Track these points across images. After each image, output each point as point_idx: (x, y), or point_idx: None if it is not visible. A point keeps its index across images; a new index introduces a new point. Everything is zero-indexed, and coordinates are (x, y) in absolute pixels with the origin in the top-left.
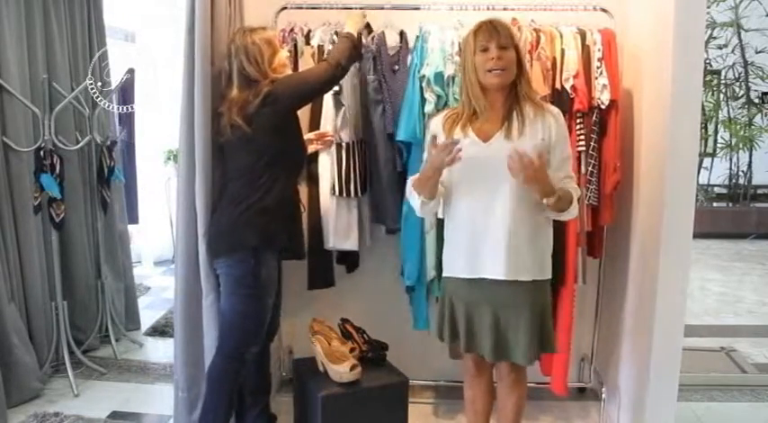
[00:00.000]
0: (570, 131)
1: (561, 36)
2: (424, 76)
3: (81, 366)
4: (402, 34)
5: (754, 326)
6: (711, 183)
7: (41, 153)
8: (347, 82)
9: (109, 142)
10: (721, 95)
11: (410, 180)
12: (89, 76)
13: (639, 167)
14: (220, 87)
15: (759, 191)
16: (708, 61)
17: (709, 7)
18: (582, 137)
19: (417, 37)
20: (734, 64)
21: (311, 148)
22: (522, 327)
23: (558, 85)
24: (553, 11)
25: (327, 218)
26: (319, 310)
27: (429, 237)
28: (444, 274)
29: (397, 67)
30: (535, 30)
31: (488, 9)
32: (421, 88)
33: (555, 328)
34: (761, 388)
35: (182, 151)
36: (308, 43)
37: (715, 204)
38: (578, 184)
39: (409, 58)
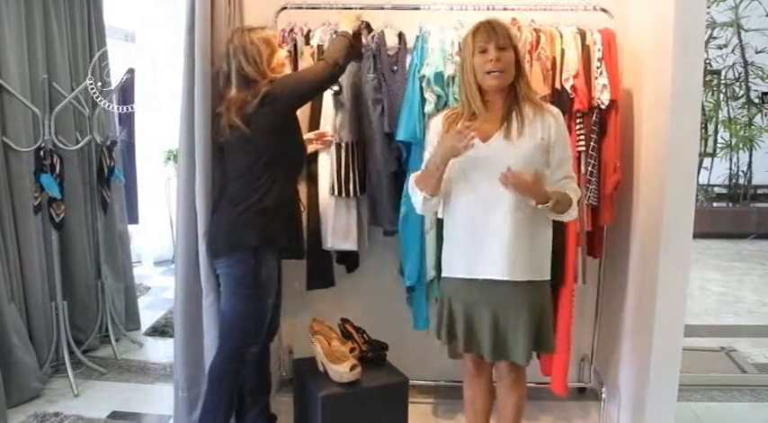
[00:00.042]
0: (570, 131)
1: (561, 36)
2: (424, 76)
3: (81, 366)
4: (401, 35)
5: (754, 326)
6: (711, 183)
7: (41, 153)
8: (346, 81)
9: (109, 142)
10: (721, 95)
11: (412, 177)
12: (89, 76)
13: (639, 167)
14: (219, 87)
15: (759, 191)
16: (708, 61)
17: (709, 7)
18: (582, 137)
19: (417, 37)
20: (734, 64)
21: (311, 148)
22: (521, 327)
23: (557, 85)
24: (553, 11)
25: (326, 218)
26: (319, 310)
27: (429, 236)
28: (443, 275)
29: (396, 68)
30: (535, 30)
31: (488, 9)
32: (421, 88)
33: (555, 328)
34: (761, 388)
35: (182, 151)
36: (307, 43)
37: (715, 204)
38: (578, 184)
39: (408, 58)
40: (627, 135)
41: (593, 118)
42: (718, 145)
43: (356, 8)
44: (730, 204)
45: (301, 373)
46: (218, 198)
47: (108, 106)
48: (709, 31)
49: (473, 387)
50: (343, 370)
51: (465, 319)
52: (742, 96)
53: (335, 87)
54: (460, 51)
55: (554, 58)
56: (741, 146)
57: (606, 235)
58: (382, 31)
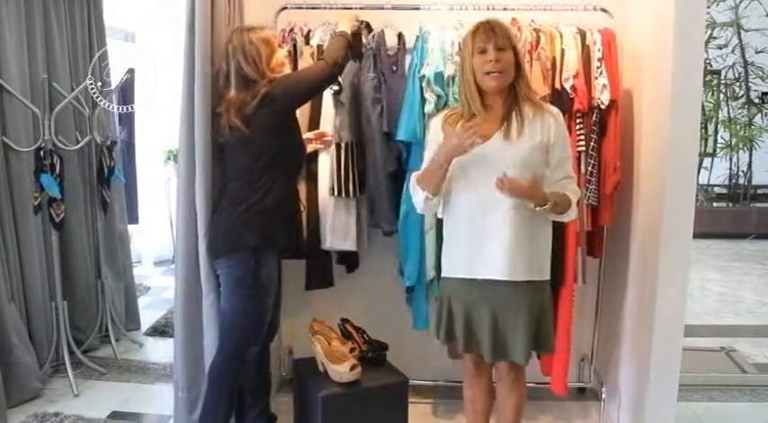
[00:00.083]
0: (570, 131)
1: (561, 36)
2: (424, 76)
3: (81, 366)
4: (400, 36)
5: (754, 326)
6: (711, 183)
7: (41, 153)
8: (346, 81)
9: (109, 142)
10: (721, 95)
11: (413, 176)
12: (89, 76)
13: (639, 167)
14: (218, 87)
15: (759, 191)
16: (708, 61)
17: (709, 7)
18: (582, 137)
19: (417, 37)
20: (734, 64)
21: (310, 148)
22: (521, 326)
23: (557, 85)
24: (553, 11)
25: (326, 218)
26: (319, 310)
27: (428, 236)
28: (443, 275)
29: (395, 68)
30: (535, 30)
31: (488, 9)
32: (421, 88)
33: (555, 328)
34: (761, 388)
35: (182, 151)
36: (307, 43)
37: (715, 204)
38: (578, 184)
39: (408, 58)
40: (627, 135)
41: (593, 118)
42: (718, 145)
43: (356, 8)
44: (730, 204)
45: (301, 373)
46: (218, 198)
47: (108, 106)
48: (709, 31)
49: (473, 387)
50: (343, 370)
51: (465, 319)
52: (742, 96)
53: (335, 87)
54: (460, 52)
55: (554, 58)
56: (741, 146)
57: (606, 235)
58: (382, 31)
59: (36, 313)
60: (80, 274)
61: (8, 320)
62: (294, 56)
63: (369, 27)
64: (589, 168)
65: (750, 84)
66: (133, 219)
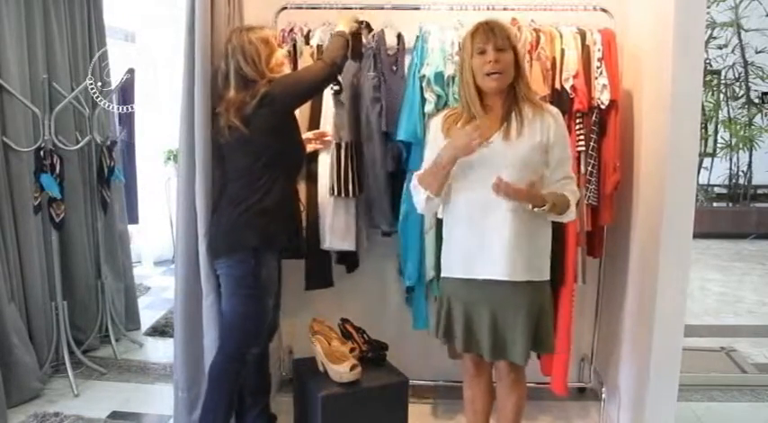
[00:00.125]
0: (570, 131)
1: (561, 36)
2: (424, 76)
3: (81, 366)
4: (399, 37)
5: (754, 326)
6: (711, 183)
7: (41, 153)
8: (346, 81)
9: (109, 142)
10: (721, 95)
11: (415, 176)
12: (89, 76)
13: (639, 167)
14: (217, 87)
15: (759, 191)
16: (708, 61)
17: (709, 7)
18: (582, 137)
19: (417, 37)
20: (734, 64)
21: (310, 148)
22: (520, 326)
23: (557, 85)
24: (553, 11)
25: (325, 218)
26: (319, 310)
27: (428, 237)
28: (442, 275)
29: (395, 68)
30: (535, 30)
31: (488, 9)
32: (421, 88)
33: (555, 328)
34: (761, 388)
35: (182, 151)
36: (307, 43)
37: (715, 204)
38: (578, 184)
39: (407, 59)
40: (627, 135)
41: (593, 118)
42: (718, 145)
43: (356, 8)
44: (730, 204)
45: (301, 373)
46: (218, 198)
47: (108, 106)
48: (709, 31)
49: (473, 387)
50: (343, 370)
51: (464, 318)
52: (742, 96)
53: (336, 87)
54: (460, 52)
55: (554, 58)
56: (741, 146)
57: (606, 235)
58: (382, 31)
59: (36, 313)
60: (80, 274)
61: (8, 320)
62: (294, 56)
63: (369, 27)
64: (589, 168)
65: (750, 84)
66: (133, 219)
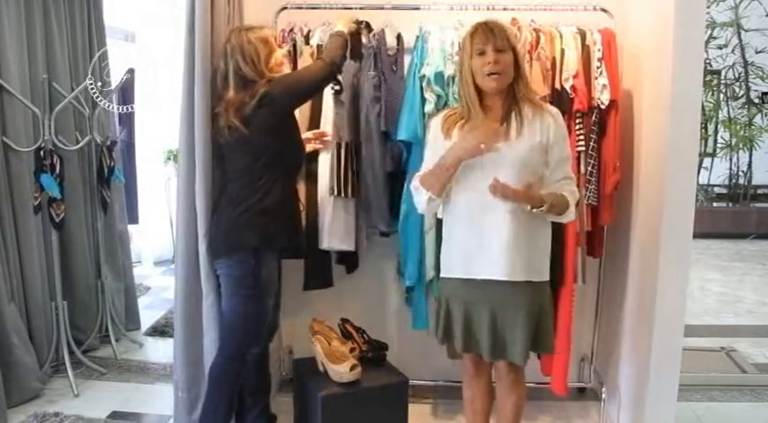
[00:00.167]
0: (570, 131)
1: (561, 36)
2: (424, 76)
3: (81, 366)
4: (399, 37)
5: (754, 326)
6: (711, 183)
7: (41, 153)
8: (346, 81)
9: (109, 142)
10: (721, 95)
11: (416, 176)
12: (89, 76)
13: (639, 167)
14: (216, 87)
15: (759, 191)
16: (708, 61)
17: (709, 7)
18: (581, 137)
19: (417, 37)
20: (734, 64)
21: (309, 147)
22: (520, 326)
23: (557, 85)
24: (553, 11)
25: (324, 218)
26: (319, 310)
27: (428, 237)
28: (442, 275)
29: (395, 68)
30: (535, 30)
31: (488, 9)
32: (421, 88)
33: (555, 329)
34: (761, 388)
35: (182, 151)
36: (307, 43)
37: (715, 204)
38: (578, 184)
39: (407, 59)
40: (627, 135)
41: (593, 118)
42: (718, 145)
43: (356, 8)
44: (730, 204)
45: (301, 373)
46: (217, 198)
47: (108, 106)
48: (709, 31)
49: (472, 387)
50: (343, 370)
51: (464, 319)
52: (742, 96)
53: (337, 87)
54: (459, 52)
55: (554, 58)
56: (741, 146)
57: (606, 235)
58: (383, 31)
59: (36, 313)
60: (80, 274)
61: (8, 320)
62: (294, 56)
63: (369, 27)
64: (589, 168)
65: (750, 84)
66: (133, 219)
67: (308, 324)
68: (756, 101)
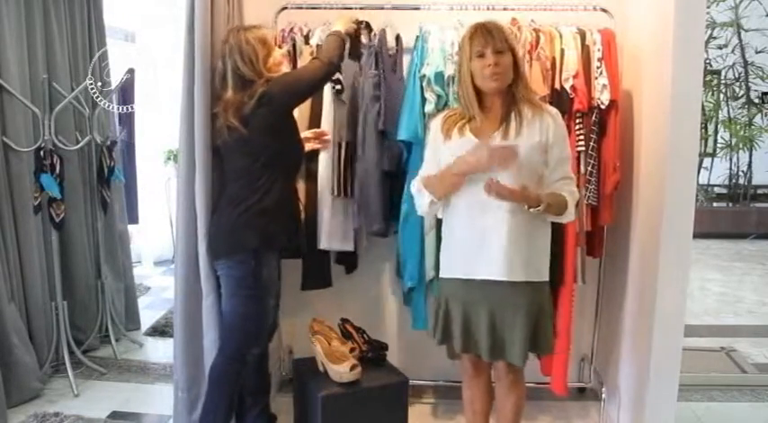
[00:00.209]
0: (570, 131)
1: (561, 36)
2: (424, 76)
3: (81, 366)
4: (398, 38)
5: (754, 326)
6: (711, 183)
7: (41, 153)
8: (346, 81)
9: (109, 142)
10: (721, 95)
11: (418, 179)
12: (89, 76)
13: (639, 167)
14: (215, 87)
15: (759, 191)
16: (708, 61)
17: (709, 7)
18: (581, 137)
19: (417, 37)
20: (734, 64)
21: (308, 147)
22: (519, 326)
23: (557, 86)
24: (553, 11)
25: (323, 217)
26: (319, 310)
27: (428, 237)
28: (441, 275)
29: (394, 69)
30: (535, 30)
31: (488, 9)
32: (421, 88)
33: (554, 329)
34: (761, 388)
35: (182, 151)
36: (307, 43)
37: (715, 204)
38: (578, 184)
39: (406, 60)
40: (627, 135)
41: (593, 118)
42: (718, 145)
43: (356, 8)
44: (730, 204)
45: (301, 373)
46: (217, 199)
47: (108, 106)
48: (709, 31)
49: (472, 387)
50: (343, 370)
51: (463, 319)
52: (742, 96)
53: (338, 86)
54: (459, 52)
55: (554, 58)
56: (741, 146)
57: (606, 235)
58: (383, 30)
59: (36, 313)
60: (80, 274)
61: (8, 320)
62: (294, 55)
63: (369, 27)
64: (589, 168)
65: (750, 84)
66: (133, 219)
67: (307, 324)
68: (756, 101)
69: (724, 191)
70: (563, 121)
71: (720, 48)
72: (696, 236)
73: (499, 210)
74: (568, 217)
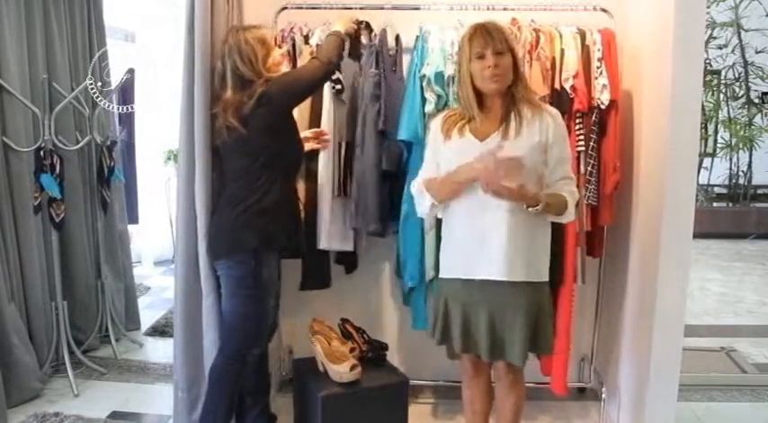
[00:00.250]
0: (570, 132)
1: (561, 36)
2: (424, 76)
3: (81, 366)
4: (397, 38)
5: (754, 326)
6: (711, 183)
7: (41, 153)
8: (347, 81)
9: (109, 142)
10: (721, 95)
11: (421, 182)
12: (89, 76)
13: (639, 167)
14: (214, 87)
15: (759, 191)
16: (708, 61)
17: (709, 7)
18: (581, 137)
19: (417, 37)
20: (734, 64)
21: (308, 147)
22: (518, 326)
23: (557, 86)
24: (553, 11)
25: (323, 217)
26: (319, 310)
27: (428, 237)
28: (441, 275)
29: (394, 69)
30: (535, 30)
31: (488, 9)
32: (422, 88)
33: (554, 329)
34: (761, 388)
35: (182, 151)
36: (306, 43)
37: (715, 204)
38: (578, 184)
39: (405, 60)
40: (627, 135)
41: (593, 118)
42: (718, 145)
43: (356, 8)
44: (730, 204)
45: (301, 373)
46: (216, 199)
47: (108, 106)
48: (709, 31)
49: (472, 388)
50: (343, 370)
51: (462, 319)
52: (742, 96)
53: (338, 86)
54: (458, 53)
55: (554, 59)
56: (741, 146)
57: (606, 235)
58: (384, 30)
59: (36, 313)
60: (80, 274)
61: (8, 320)
62: (293, 55)
63: (369, 27)
64: (588, 168)
65: (750, 84)
66: (133, 219)
67: (307, 324)
68: (756, 101)
69: (724, 191)
70: (563, 121)
71: (720, 48)
72: (696, 236)
73: (499, 209)
74: (568, 217)
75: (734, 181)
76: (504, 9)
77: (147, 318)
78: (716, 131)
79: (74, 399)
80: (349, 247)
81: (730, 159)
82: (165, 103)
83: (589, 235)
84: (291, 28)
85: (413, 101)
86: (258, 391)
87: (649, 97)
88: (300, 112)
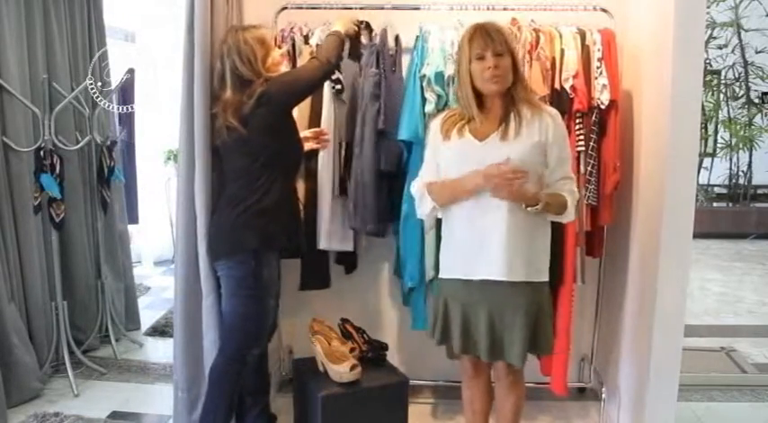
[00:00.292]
0: (570, 132)
1: (561, 36)
2: (424, 76)
3: (81, 366)
4: (397, 38)
5: (754, 326)
6: (711, 183)
7: (41, 153)
8: (347, 81)
9: (109, 142)
10: (721, 95)
11: (423, 184)
12: (89, 76)
13: (639, 167)
14: (213, 87)
15: (759, 191)
16: (708, 61)
17: (709, 7)
18: (581, 137)
19: (417, 37)
20: (734, 64)
21: (307, 146)
22: (518, 326)
23: (557, 86)
24: (553, 11)
25: (323, 217)
26: (319, 310)
27: (428, 237)
28: (441, 276)
29: (394, 69)
30: (535, 30)
31: (488, 9)
32: (422, 88)
33: (554, 329)
34: (761, 388)
35: (182, 151)
36: (306, 42)
37: (715, 204)
38: (578, 184)
39: (405, 61)
40: (627, 135)
41: (593, 118)
42: (718, 145)
43: (356, 8)
44: (730, 204)
45: (301, 373)
46: (216, 199)
47: (108, 106)
48: (709, 31)
49: (471, 388)
50: (343, 370)
51: (462, 320)
52: (742, 96)
53: (338, 86)
54: (458, 53)
55: (553, 59)
56: (741, 146)
57: (606, 235)
58: (384, 30)
59: (36, 313)
60: (80, 274)
61: (8, 320)
62: (293, 55)
63: (369, 27)
64: (588, 168)
65: (750, 84)
66: (133, 219)
67: (307, 324)
68: (756, 101)
69: (724, 191)
70: (562, 121)
71: (720, 48)
72: (696, 236)
73: (498, 210)
74: (568, 217)
75: (734, 181)
76: (504, 9)
77: (147, 318)
78: (716, 131)
79: (74, 399)
80: (349, 247)
81: (730, 159)
82: (165, 103)
83: (589, 235)
84: (291, 28)
85: (413, 101)
86: (258, 391)
87: (649, 97)
88: (300, 112)
